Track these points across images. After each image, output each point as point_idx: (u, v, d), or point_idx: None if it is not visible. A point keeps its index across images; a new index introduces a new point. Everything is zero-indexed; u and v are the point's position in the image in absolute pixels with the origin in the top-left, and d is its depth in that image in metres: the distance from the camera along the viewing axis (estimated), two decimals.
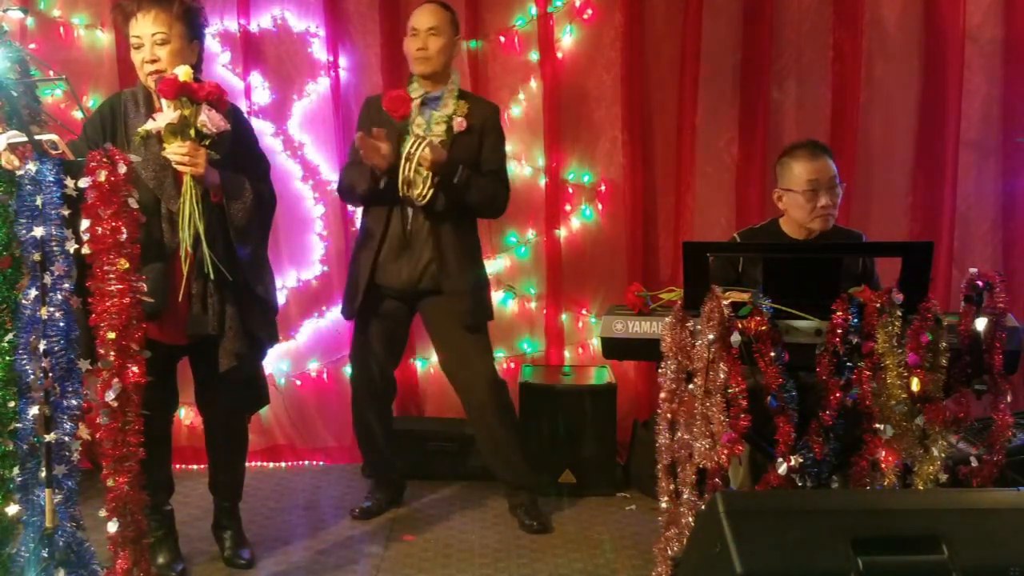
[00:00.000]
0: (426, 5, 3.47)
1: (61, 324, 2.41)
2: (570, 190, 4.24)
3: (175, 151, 2.75)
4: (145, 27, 2.86)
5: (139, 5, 2.86)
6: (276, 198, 3.16)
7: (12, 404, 2.49)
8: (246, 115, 3.31)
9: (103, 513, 2.53)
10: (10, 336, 2.49)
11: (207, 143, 2.77)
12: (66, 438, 2.44)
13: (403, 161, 3.31)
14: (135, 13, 2.86)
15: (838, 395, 2.49)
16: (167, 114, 2.73)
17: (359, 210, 4.16)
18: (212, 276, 2.86)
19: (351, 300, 3.56)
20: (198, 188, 2.80)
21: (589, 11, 4.15)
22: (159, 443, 3.05)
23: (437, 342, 3.62)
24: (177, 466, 3.74)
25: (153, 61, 2.86)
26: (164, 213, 2.88)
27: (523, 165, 4.22)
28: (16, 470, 2.49)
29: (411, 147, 3.31)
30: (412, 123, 3.42)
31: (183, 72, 2.74)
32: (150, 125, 2.77)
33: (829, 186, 3.06)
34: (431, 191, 3.34)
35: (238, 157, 2.96)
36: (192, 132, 2.74)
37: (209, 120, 2.74)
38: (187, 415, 4.07)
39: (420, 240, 3.44)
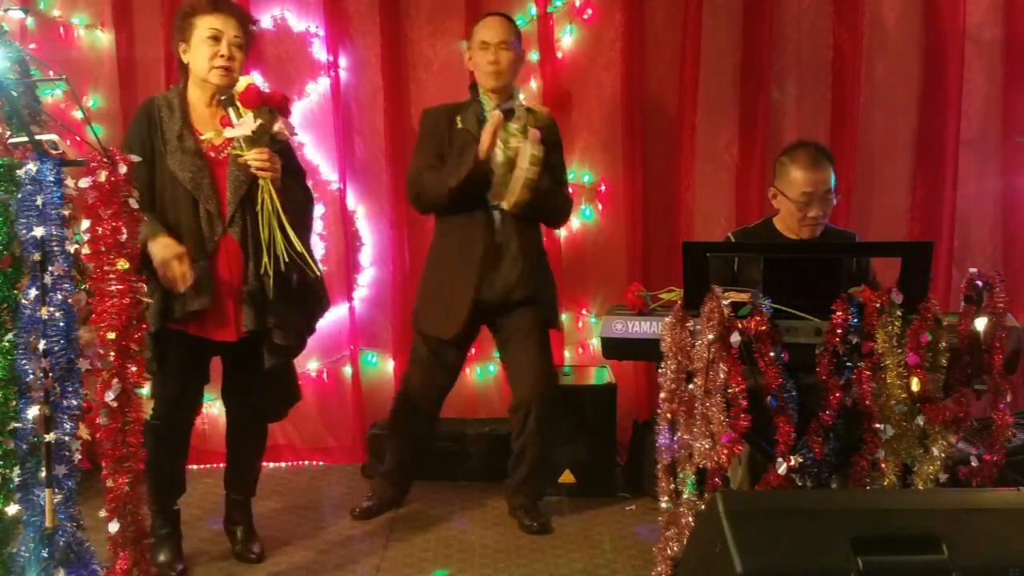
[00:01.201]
0: (495, 18, 3.47)
1: (61, 324, 2.41)
2: (570, 190, 4.24)
3: (256, 157, 2.86)
4: (228, 26, 2.95)
5: (230, 8, 2.99)
6: (314, 204, 3.27)
7: (12, 404, 2.49)
8: None
9: (103, 513, 2.53)
10: (10, 336, 2.49)
11: (277, 149, 2.92)
12: (66, 438, 2.44)
13: (527, 165, 3.27)
14: (219, 11, 2.95)
15: (838, 395, 2.49)
16: (248, 122, 2.83)
17: (359, 213, 4.20)
18: (315, 272, 2.99)
19: (449, 319, 3.46)
20: (275, 191, 2.90)
21: (589, 11, 4.15)
22: (182, 441, 3.13)
23: (518, 344, 3.52)
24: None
25: (230, 58, 2.94)
26: (202, 213, 2.93)
27: None
28: (16, 470, 2.49)
29: (534, 150, 3.28)
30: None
31: (257, 83, 2.89)
32: (231, 132, 2.86)
33: (823, 198, 3.06)
34: (524, 197, 3.32)
35: (284, 161, 3.03)
36: (267, 139, 2.88)
37: (284, 127, 2.90)
38: None
39: (510, 250, 3.42)
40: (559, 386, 3.69)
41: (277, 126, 2.88)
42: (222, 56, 2.92)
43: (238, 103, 2.85)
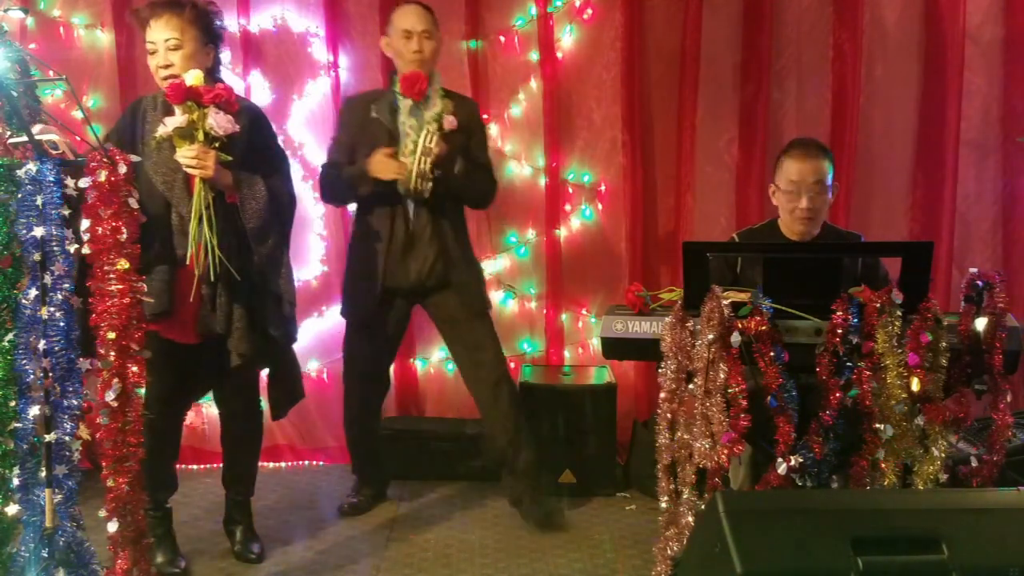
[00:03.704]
0: (413, 7, 3.48)
1: (61, 324, 2.41)
2: (570, 190, 4.24)
3: (184, 155, 2.78)
4: (159, 33, 2.89)
5: (153, 11, 2.90)
6: (295, 197, 3.19)
7: (12, 404, 2.49)
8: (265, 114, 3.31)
9: (103, 513, 2.53)
10: (10, 336, 2.49)
11: (217, 145, 2.81)
12: (66, 438, 2.44)
13: (418, 155, 3.31)
14: (149, 19, 2.90)
15: (838, 395, 2.49)
16: (176, 118, 2.77)
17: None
18: (215, 274, 2.85)
19: (361, 303, 3.55)
20: (208, 190, 2.82)
21: (589, 11, 4.15)
22: (167, 439, 3.13)
23: (449, 334, 3.62)
24: (177, 466, 3.74)
25: (167, 66, 2.88)
26: (175, 217, 2.91)
27: (523, 165, 4.22)
28: (16, 470, 2.49)
29: (424, 141, 3.32)
30: (403, 124, 3.43)
31: (192, 76, 2.76)
32: (161, 130, 2.80)
33: (814, 190, 3.04)
34: (430, 184, 3.36)
35: (254, 157, 2.99)
36: (200, 135, 2.77)
37: (216, 123, 2.77)
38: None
39: (424, 237, 3.47)
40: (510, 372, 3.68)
41: (209, 121, 2.75)
42: (161, 67, 2.89)
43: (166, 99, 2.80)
